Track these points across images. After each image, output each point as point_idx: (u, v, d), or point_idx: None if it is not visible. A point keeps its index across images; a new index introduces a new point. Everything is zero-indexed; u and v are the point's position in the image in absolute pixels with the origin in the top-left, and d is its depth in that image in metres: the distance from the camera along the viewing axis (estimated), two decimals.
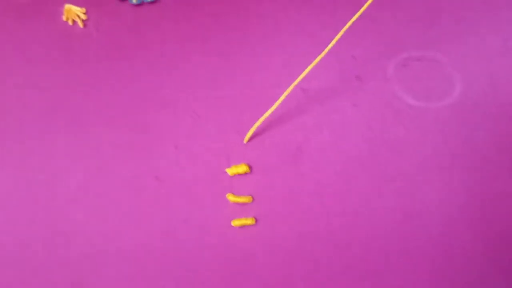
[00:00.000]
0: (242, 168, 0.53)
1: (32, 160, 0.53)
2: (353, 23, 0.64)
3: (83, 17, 0.63)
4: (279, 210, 0.52)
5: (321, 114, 0.57)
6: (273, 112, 0.57)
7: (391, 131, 0.56)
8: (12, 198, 0.51)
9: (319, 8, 0.64)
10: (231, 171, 0.53)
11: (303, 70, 0.60)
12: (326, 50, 0.42)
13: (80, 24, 0.63)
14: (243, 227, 0.51)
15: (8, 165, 0.53)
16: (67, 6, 0.64)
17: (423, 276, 0.50)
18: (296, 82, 0.45)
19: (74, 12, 0.64)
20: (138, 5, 0.65)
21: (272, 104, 0.57)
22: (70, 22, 0.63)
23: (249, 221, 0.51)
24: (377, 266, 0.50)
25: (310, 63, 0.61)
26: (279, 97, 0.57)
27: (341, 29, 0.63)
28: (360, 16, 0.63)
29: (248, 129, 0.56)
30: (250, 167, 0.54)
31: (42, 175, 0.53)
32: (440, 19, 0.64)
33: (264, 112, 0.57)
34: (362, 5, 0.65)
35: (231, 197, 0.52)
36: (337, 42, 0.62)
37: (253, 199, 0.52)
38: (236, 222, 0.51)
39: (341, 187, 0.53)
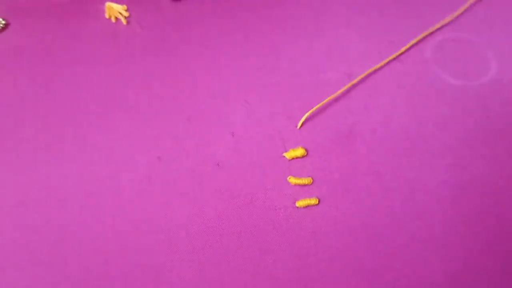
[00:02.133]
0: (299, 151, 0.55)
1: (93, 156, 0.54)
2: (387, 8, 0.66)
3: (125, 13, 0.64)
4: (338, 189, 0.54)
5: (368, 97, 0.59)
6: (322, 97, 0.59)
7: (435, 109, 0.59)
8: (78, 191, 0.52)
9: None
10: (289, 154, 0.55)
11: (345, 56, 0.62)
12: (420, 37, 0.44)
13: (123, 21, 0.64)
14: (307, 207, 0.53)
15: (72, 161, 0.54)
16: (108, 4, 0.65)
17: (480, 242, 0.53)
18: (370, 71, 0.47)
19: (115, 10, 0.64)
20: None
21: (318, 89, 0.60)
22: (113, 19, 0.64)
23: (312, 201, 0.53)
24: (436, 236, 0.53)
25: (352, 49, 0.63)
26: (323, 82, 0.60)
27: (379, 16, 0.66)
28: (393, 1, 0.66)
29: (298, 114, 0.58)
30: (306, 151, 0.56)
31: (105, 169, 0.54)
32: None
33: (311, 97, 0.59)
34: None
35: (292, 179, 0.54)
36: (374, 27, 0.65)
37: (313, 180, 0.54)
38: (300, 203, 0.53)
39: (394, 164, 0.56)
